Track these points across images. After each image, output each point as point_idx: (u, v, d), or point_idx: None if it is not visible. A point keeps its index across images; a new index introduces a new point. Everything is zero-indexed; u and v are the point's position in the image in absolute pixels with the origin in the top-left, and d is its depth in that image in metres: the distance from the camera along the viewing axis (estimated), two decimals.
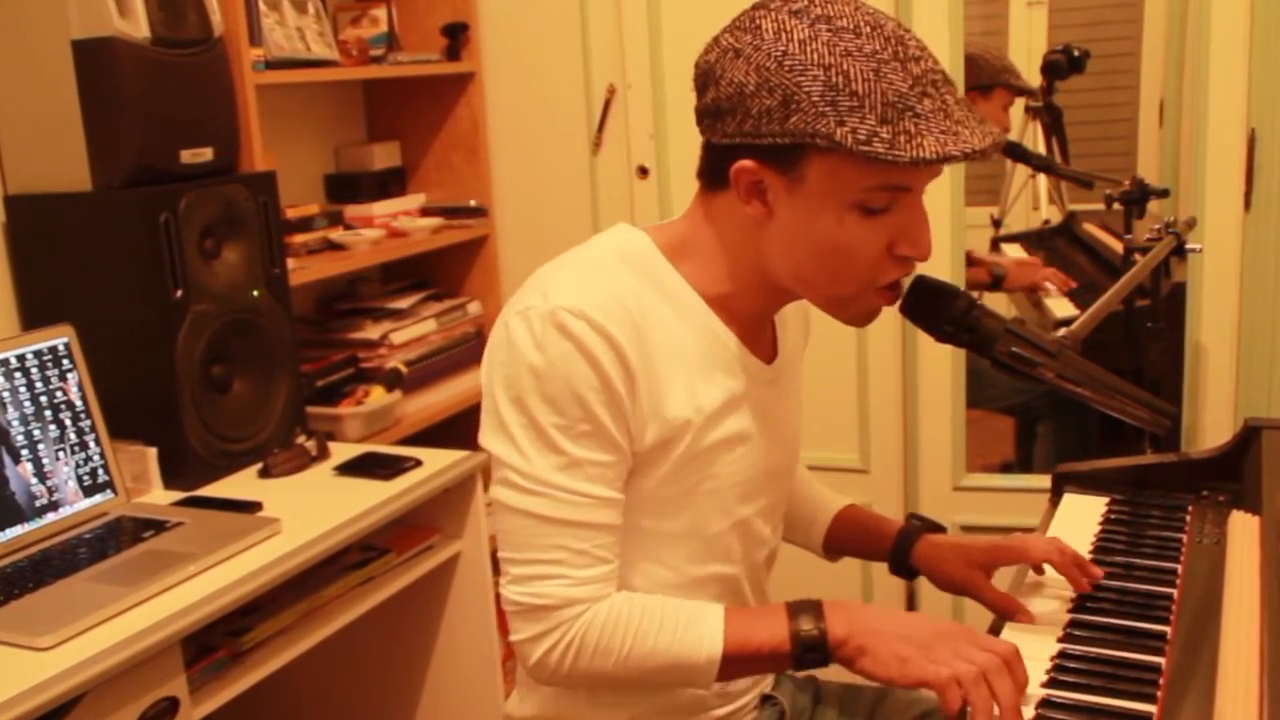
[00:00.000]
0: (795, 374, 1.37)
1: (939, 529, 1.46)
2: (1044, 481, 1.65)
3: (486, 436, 1.19)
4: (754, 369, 1.26)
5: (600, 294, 1.15)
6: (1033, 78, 3.06)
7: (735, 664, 1.18)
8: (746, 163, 1.13)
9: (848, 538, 1.50)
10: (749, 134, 1.12)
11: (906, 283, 1.22)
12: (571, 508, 1.15)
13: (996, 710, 1.07)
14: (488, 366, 1.19)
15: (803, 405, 1.41)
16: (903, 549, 1.44)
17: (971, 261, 2.76)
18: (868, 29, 1.09)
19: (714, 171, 1.19)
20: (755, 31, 1.12)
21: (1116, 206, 2.23)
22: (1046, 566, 1.36)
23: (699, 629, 1.17)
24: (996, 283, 2.91)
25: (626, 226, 1.26)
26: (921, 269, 1.22)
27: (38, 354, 1.82)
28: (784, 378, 1.32)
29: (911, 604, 2.67)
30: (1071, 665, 1.16)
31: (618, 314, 1.14)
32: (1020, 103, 3.08)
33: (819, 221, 1.13)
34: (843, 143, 1.06)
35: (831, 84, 1.07)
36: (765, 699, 1.40)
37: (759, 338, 1.29)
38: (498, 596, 1.31)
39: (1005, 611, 1.30)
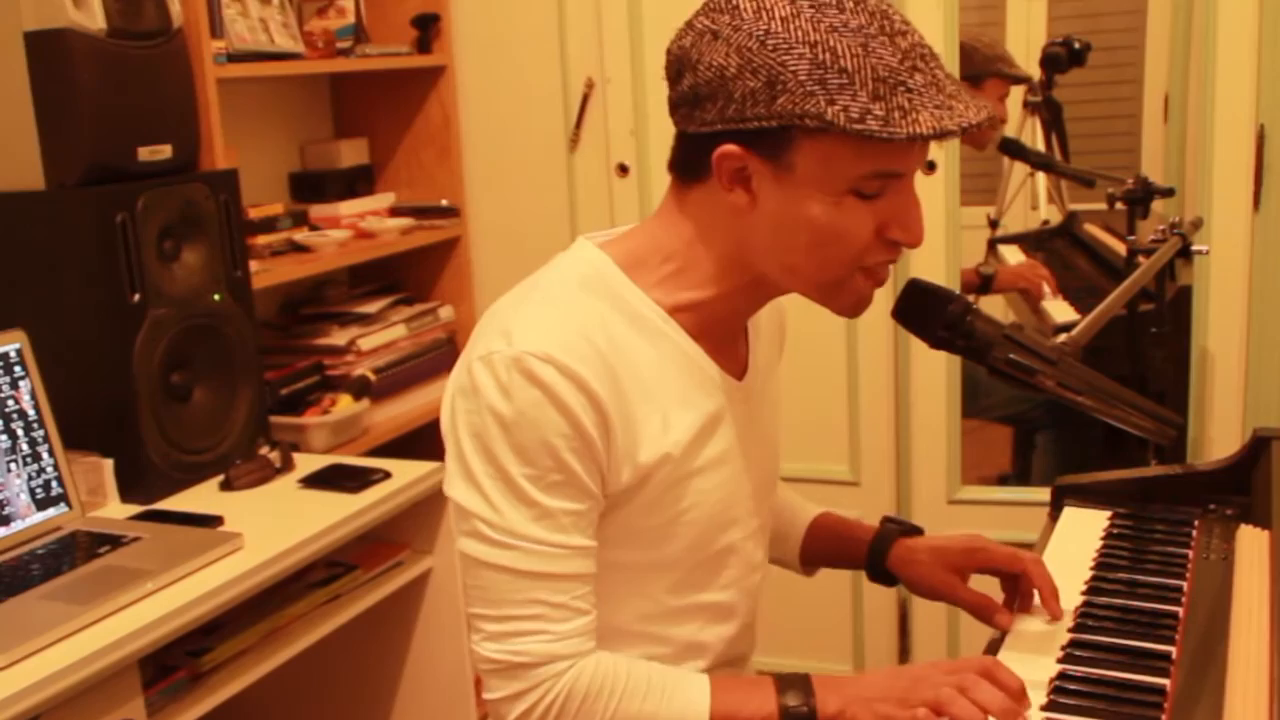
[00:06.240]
0: (770, 390, 1.35)
1: (916, 531, 1.45)
2: (1043, 494, 1.64)
3: (452, 485, 1.16)
4: (727, 386, 1.24)
5: (566, 332, 1.12)
6: (1031, 71, 3.06)
7: None
8: (730, 148, 1.10)
9: (823, 548, 1.49)
10: (732, 119, 1.09)
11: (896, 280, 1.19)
12: (547, 560, 1.13)
13: None
14: (450, 413, 1.16)
15: (780, 422, 1.39)
16: (878, 555, 1.43)
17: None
18: (851, 3, 1.07)
19: (691, 162, 1.16)
20: (733, 11, 1.09)
21: (1119, 206, 2.22)
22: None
23: (685, 697, 1.16)
24: (986, 283, 2.89)
25: (585, 245, 1.23)
26: (916, 273, 1.21)
27: None
28: (757, 394, 1.30)
29: (903, 612, 2.67)
30: (1072, 687, 1.14)
31: (587, 353, 1.12)
32: (1017, 94, 3.07)
33: (808, 208, 1.11)
34: (834, 122, 1.04)
35: (819, 61, 1.05)
36: None
37: (730, 353, 1.26)
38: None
39: (983, 612, 1.31)
